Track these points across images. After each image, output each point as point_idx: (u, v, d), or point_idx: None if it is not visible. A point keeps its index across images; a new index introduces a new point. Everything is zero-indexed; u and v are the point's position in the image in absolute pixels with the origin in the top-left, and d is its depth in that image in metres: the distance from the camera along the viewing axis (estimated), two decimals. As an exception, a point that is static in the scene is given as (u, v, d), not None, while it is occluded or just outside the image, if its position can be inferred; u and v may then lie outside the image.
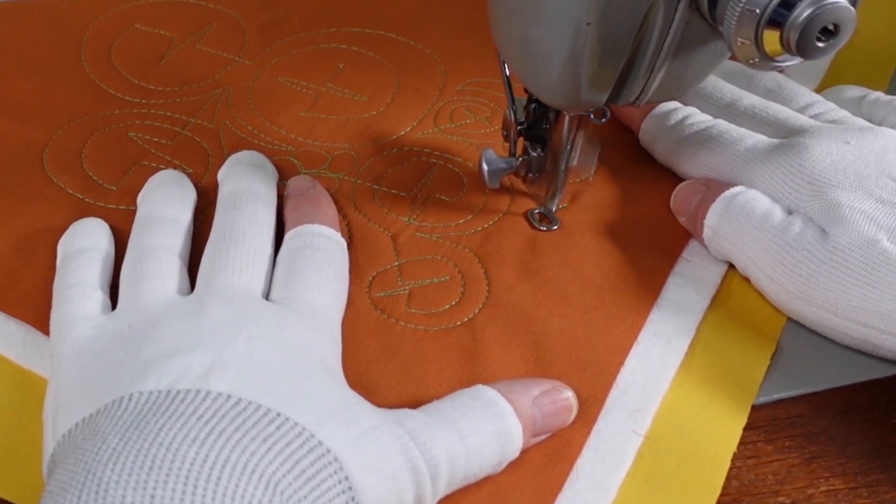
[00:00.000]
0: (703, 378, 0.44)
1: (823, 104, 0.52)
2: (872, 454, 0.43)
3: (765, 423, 0.44)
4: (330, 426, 0.36)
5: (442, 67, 0.59)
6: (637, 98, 0.43)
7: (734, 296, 0.48)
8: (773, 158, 0.48)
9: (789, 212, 0.47)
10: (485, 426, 0.39)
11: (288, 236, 0.46)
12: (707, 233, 0.48)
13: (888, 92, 0.56)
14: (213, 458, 0.34)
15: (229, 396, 0.36)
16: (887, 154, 0.47)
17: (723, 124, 0.51)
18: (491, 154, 0.49)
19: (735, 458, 0.42)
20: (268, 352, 0.39)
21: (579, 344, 0.45)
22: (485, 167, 0.49)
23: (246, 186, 0.48)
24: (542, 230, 0.50)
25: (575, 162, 0.49)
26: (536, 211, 0.50)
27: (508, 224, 0.50)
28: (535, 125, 0.49)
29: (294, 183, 0.50)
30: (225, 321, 0.40)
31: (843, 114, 0.51)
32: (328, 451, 0.36)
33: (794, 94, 0.53)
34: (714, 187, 0.49)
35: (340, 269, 0.46)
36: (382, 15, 0.62)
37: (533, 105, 0.48)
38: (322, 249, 0.45)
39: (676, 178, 0.52)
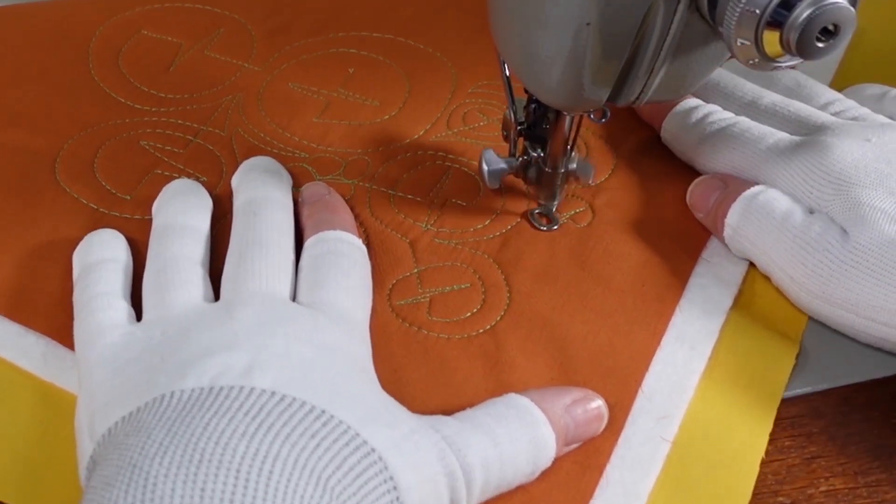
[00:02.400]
0: (728, 382, 0.44)
1: (843, 102, 0.52)
2: (872, 454, 0.43)
3: (765, 423, 0.44)
4: (373, 427, 0.36)
5: (452, 70, 0.58)
6: (637, 98, 0.43)
7: (755, 296, 0.48)
8: (794, 157, 0.48)
9: (810, 211, 0.47)
10: (519, 435, 0.38)
11: (309, 243, 0.46)
12: (728, 232, 0.48)
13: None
14: (264, 453, 0.33)
15: (273, 393, 0.36)
16: None
17: (745, 122, 0.50)
18: (491, 154, 0.49)
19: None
20: (305, 351, 0.39)
21: (603, 350, 0.44)
22: (484, 167, 0.49)
23: (262, 193, 0.47)
24: (542, 230, 0.49)
25: (574, 165, 0.48)
26: (536, 211, 0.50)
27: (526, 228, 0.50)
28: (535, 125, 0.48)
29: (308, 189, 0.49)
30: (258, 322, 0.40)
31: (864, 111, 0.51)
32: (373, 450, 0.35)
33: (814, 92, 0.53)
34: (733, 185, 0.49)
35: (364, 275, 0.45)
36: (389, 19, 0.62)
37: (533, 105, 0.48)
38: (346, 255, 0.45)
39: (696, 177, 0.51)
